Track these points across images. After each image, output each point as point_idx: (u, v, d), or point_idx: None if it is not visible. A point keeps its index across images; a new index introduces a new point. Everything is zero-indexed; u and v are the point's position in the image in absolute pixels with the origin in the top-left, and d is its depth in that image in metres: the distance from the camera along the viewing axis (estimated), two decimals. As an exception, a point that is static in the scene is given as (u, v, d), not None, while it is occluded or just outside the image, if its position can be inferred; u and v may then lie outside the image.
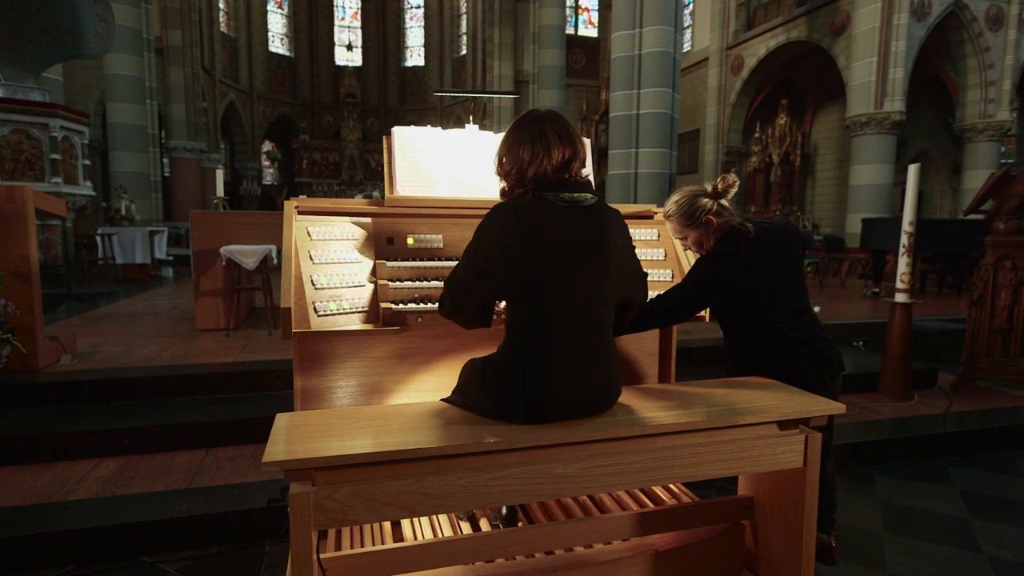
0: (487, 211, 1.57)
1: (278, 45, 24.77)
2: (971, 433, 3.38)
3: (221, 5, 21.34)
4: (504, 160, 1.62)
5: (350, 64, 25.65)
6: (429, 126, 2.26)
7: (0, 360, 3.08)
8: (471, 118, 2.65)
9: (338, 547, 1.79)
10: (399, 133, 2.19)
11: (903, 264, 3.79)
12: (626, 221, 2.44)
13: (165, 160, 16.08)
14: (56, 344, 3.59)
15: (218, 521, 2.27)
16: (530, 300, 1.50)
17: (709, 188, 2.03)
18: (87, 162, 7.93)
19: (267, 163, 25.30)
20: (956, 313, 6.20)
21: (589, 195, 1.58)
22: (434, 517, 2.01)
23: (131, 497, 2.39)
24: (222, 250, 4.43)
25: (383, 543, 1.84)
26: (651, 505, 2.05)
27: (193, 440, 2.94)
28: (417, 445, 1.36)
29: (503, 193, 1.65)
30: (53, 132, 7.12)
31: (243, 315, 5.27)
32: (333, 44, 26.11)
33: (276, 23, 24.66)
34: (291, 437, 1.38)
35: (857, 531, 2.44)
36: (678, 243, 2.34)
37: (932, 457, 3.25)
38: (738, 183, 2.02)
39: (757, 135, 17.01)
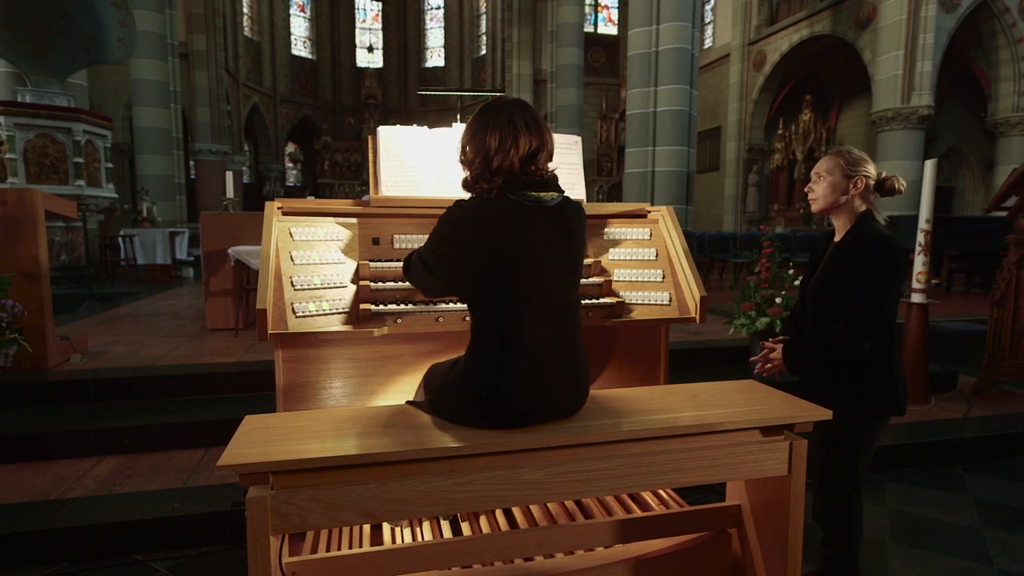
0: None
1: (300, 48, 25.11)
2: (989, 439, 3.24)
3: (245, 10, 21.70)
4: (468, 148, 1.53)
5: (371, 66, 25.89)
6: (416, 125, 2.24)
7: (7, 359, 3.15)
8: (459, 116, 2.62)
9: (315, 550, 1.78)
10: (384, 132, 2.17)
11: (919, 263, 3.66)
12: (619, 220, 2.42)
13: (191, 163, 16.40)
14: (66, 343, 3.67)
15: (210, 520, 2.28)
16: (493, 303, 1.46)
17: (882, 175, 1.82)
18: (110, 165, 8.13)
19: (290, 165, 25.67)
20: (982, 313, 5.97)
21: (555, 193, 1.52)
22: (415, 520, 1.98)
23: (125, 496, 2.42)
24: (230, 251, 4.47)
25: (361, 546, 1.83)
26: (638, 511, 2.01)
27: (193, 439, 2.96)
28: (379, 449, 1.34)
29: (465, 184, 1.55)
30: (76, 136, 7.32)
31: (252, 315, 5.32)
32: (354, 46, 26.36)
33: (298, 26, 25.00)
34: (254, 440, 1.37)
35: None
36: (670, 243, 2.29)
37: (947, 463, 3.13)
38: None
39: (780, 131, 16.68)
